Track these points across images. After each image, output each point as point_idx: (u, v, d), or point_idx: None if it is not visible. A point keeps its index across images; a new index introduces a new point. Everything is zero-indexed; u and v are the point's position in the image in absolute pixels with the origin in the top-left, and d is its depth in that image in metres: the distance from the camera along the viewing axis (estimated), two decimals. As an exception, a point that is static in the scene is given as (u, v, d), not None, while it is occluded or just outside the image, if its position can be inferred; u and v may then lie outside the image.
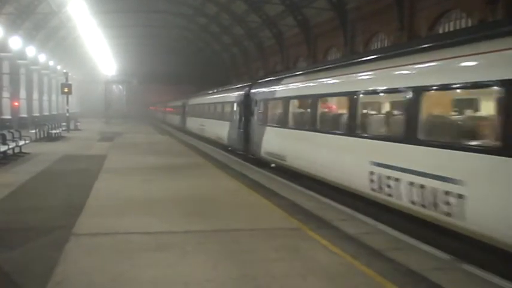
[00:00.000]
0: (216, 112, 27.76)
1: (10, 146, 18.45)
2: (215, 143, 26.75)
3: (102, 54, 54.94)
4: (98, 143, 27.66)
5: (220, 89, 29.68)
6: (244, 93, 20.95)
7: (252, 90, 20.11)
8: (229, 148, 23.45)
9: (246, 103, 20.42)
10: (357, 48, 30.43)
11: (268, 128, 17.40)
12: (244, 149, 20.49)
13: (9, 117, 40.31)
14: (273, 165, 16.99)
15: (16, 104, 42.48)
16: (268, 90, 18.04)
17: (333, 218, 9.37)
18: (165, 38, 67.71)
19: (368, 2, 28.89)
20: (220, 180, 14.20)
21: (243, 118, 20.79)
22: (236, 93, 22.92)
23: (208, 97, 31.87)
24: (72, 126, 39.54)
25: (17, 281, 5.97)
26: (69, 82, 40.21)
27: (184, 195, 11.72)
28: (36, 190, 12.20)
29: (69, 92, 39.18)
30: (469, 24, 21.39)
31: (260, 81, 20.48)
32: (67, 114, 40.33)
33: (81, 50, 57.90)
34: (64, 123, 37.65)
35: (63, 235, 7.79)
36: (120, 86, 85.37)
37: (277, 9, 39.12)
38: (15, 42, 38.12)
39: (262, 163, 18.04)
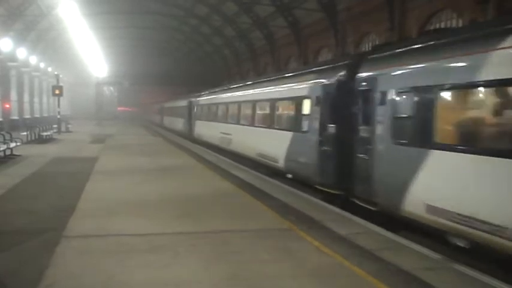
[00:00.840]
0: (257, 115, 18.08)
1: (1, 148, 18.38)
2: (253, 163, 17.91)
3: (93, 55, 54.79)
4: (89, 145, 27.54)
5: (268, 78, 19.24)
6: (337, 81, 11.66)
7: (364, 74, 10.55)
8: (289, 176, 14.42)
9: (342, 99, 11.22)
10: (348, 49, 30.50)
11: (447, 157, 7.65)
12: (338, 186, 11.38)
13: (0, 119, 40.13)
14: (465, 245, 7.37)
15: (7, 106, 42.30)
16: (441, 65, 8.08)
17: (324, 219, 9.39)
18: (156, 39, 67.70)
19: (358, 2, 28.96)
20: (211, 181, 14.19)
21: (330, 127, 11.71)
22: (311, 82, 13.21)
23: (239, 93, 21.37)
24: (63, 128, 39.30)
25: (7, 284, 5.93)
26: (60, 84, 40.02)
27: (175, 196, 11.70)
28: (27, 192, 12.12)
29: (60, 94, 38.94)
30: (460, 24, 21.46)
31: (394, 51, 10.21)
32: (58, 116, 40.04)
33: (72, 52, 57.77)
34: (55, 125, 37.48)
35: (54, 237, 7.75)
36: (112, 88, 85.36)
37: (268, 10, 39.15)
38: (6, 44, 37.95)
39: (399, 222, 9.15)
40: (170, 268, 6.50)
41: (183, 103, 36.43)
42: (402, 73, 9.25)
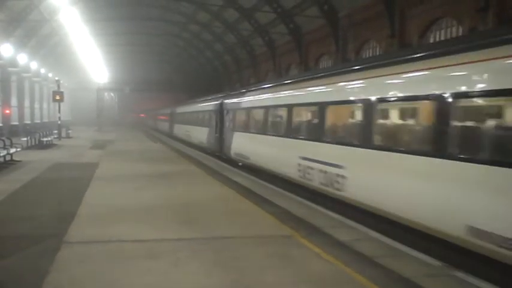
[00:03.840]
0: None
1: (1, 154, 18.37)
2: None
3: (94, 61, 54.91)
4: (90, 150, 27.57)
5: None
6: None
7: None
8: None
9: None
10: (349, 56, 30.55)
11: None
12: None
13: (0, 124, 40.17)
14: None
15: (7, 111, 42.34)
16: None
17: (325, 225, 9.38)
18: (157, 45, 67.90)
19: (359, 9, 29.04)
20: (212, 187, 14.20)
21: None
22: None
23: None
24: (63, 134, 39.36)
25: (8, 290, 5.95)
26: (61, 90, 40.09)
27: (176, 202, 11.70)
28: (27, 198, 12.13)
29: (61, 100, 39.03)
30: (460, 32, 21.51)
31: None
32: (58, 122, 40.14)
33: (73, 58, 57.88)
34: (55, 131, 37.51)
35: (55, 243, 7.75)
36: (112, 94, 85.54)
37: (269, 17, 39.25)
38: (7, 50, 38.01)
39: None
40: (171, 274, 6.50)
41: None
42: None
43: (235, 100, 22.05)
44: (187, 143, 34.53)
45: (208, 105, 28.24)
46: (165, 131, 51.55)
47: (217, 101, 25.45)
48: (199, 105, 32.41)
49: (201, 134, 29.23)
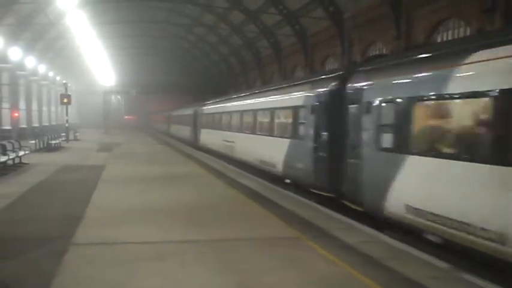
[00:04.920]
0: None
1: (10, 157, 18.45)
2: None
3: (100, 64, 55.06)
4: (97, 153, 27.67)
5: None
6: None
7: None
8: None
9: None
10: (354, 58, 30.45)
11: None
12: None
13: (9, 127, 40.42)
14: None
15: (16, 114, 42.57)
16: None
17: (331, 227, 9.36)
18: (163, 48, 67.95)
19: (365, 11, 28.93)
20: (218, 189, 14.22)
21: None
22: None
23: None
24: (71, 137, 39.58)
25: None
26: (68, 93, 40.28)
27: (182, 204, 11.72)
28: (35, 201, 12.18)
29: (69, 103, 39.27)
30: (468, 33, 21.38)
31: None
32: (66, 125, 40.37)
33: (80, 61, 58.03)
34: (63, 134, 37.69)
35: (62, 245, 7.78)
36: (119, 96, 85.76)
37: (275, 19, 39.22)
38: (15, 53, 38.20)
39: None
40: (177, 276, 6.52)
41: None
42: None
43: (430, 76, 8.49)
44: (226, 158, 23.60)
45: (291, 97, 15.59)
46: (185, 139, 39.07)
47: (322, 86, 13.14)
48: (261, 99, 19.42)
49: (266, 149, 17.70)
